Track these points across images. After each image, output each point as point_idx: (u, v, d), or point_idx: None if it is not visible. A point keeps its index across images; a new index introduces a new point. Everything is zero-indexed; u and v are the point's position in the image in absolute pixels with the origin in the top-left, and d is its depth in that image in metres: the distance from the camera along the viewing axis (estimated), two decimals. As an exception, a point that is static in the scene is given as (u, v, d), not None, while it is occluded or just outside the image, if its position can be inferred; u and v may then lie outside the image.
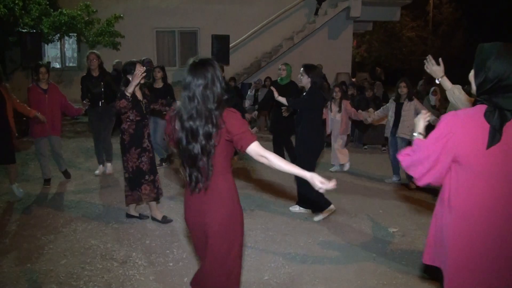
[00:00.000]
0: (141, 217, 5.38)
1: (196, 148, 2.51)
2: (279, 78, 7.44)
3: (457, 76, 4.38)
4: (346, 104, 7.75)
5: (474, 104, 2.25)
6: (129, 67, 4.92)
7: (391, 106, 7.11)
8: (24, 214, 5.56)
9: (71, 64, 15.15)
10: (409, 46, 31.31)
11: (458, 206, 2.19)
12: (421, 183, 2.27)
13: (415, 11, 29.82)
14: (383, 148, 9.59)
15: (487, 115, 2.11)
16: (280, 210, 5.77)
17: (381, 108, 7.53)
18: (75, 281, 3.90)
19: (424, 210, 5.85)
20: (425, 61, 3.56)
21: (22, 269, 4.11)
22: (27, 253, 4.44)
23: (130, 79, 4.81)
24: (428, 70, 3.52)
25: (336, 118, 7.72)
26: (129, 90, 4.72)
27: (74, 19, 12.16)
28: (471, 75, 2.28)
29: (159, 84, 7.48)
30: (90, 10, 12.67)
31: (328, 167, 8.00)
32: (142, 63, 11.49)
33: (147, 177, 5.04)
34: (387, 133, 7.20)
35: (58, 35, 12.54)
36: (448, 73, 3.58)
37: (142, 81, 4.91)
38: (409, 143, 7.02)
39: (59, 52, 15.03)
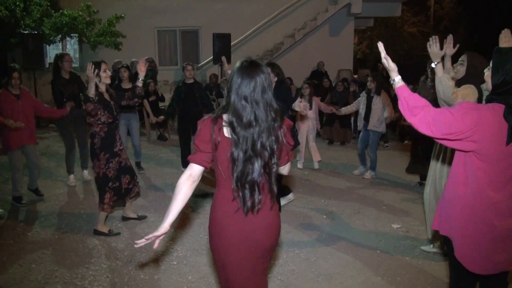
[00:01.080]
0: (109, 234, 4.92)
1: (258, 163, 2.22)
2: None
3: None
4: (315, 100, 7.93)
5: (488, 101, 2.47)
6: (96, 66, 4.65)
7: (362, 99, 7.30)
8: (28, 215, 5.58)
9: (72, 65, 15.15)
10: (410, 41, 31.21)
11: (474, 184, 2.43)
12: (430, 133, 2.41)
13: (416, 7, 29.73)
14: (386, 144, 9.60)
15: (505, 115, 2.31)
16: (283, 208, 5.77)
17: (355, 101, 7.69)
18: (80, 281, 3.92)
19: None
20: (430, 39, 3.64)
21: (27, 269, 4.13)
22: (32, 254, 4.46)
23: (97, 80, 4.62)
24: (429, 50, 3.58)
25: (308, 115, 7.63)
26: (91, 92, 4.51)
27: (75, 20, 12.17)
28: (487, 75, 2.50)
29: (126, 85, 7.01)
30: (91, 10, 12.68)
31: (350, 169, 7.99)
32: (132, 64, 11.58)
33: (110, 184, 4.77)
34: (360, 126, 7.44)
35: (60, 36, 12.55)
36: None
37: (108, 81, 4.73)
38: (381, 136, 7.33)
39: (61, 53, 15.03)
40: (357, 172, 7.44)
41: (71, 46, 14.98)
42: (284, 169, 2.53)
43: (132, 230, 5.04)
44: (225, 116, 2.26)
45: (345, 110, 7.58)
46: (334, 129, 9.97)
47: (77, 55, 14.97)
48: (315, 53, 14.64)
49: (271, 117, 2.24)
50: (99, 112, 4.59)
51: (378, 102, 7.01)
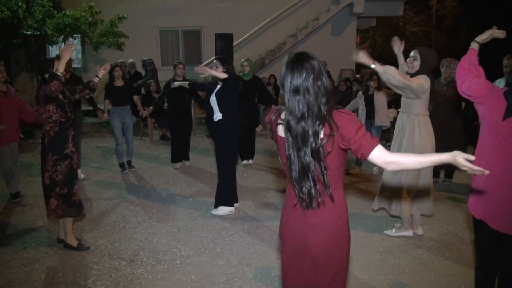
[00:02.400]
0: (79, 248, 4.51)
1: (307, 152, 2.15)
2: (241, 73, 7.55)
3: None
4: None
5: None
6: (46, 65, 4.42)
7: (360, 100, 7.42)
8: (30, 214, 5.59)
9: (75, 65, 15.15)
10: (413, 41, 31.18)
11: (487, 156, 3.00)
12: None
13: (418, 6, 29.75)
14: (388, 143, 9.58)
15: (506, 95, 2.92)
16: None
17: (351, 102, 7.83)
18: (84, 280, 3.93)
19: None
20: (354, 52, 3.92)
21: (30, 268, 4.14)
22: (35, 253, 4.47)
23: (46, 76, 4.32)
24: (354, 59, 3.80)
25: None
26: (60, 69, 4.19)
27: (78, 20, 12.18)
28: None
29: (119, 83, 7.45)
30: (93, 11, 12.69)
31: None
32: (144, 63, 11.61)
33: (57, 189, 4.32)
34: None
35: (62, 36, 12.55)
36: None
37: (63, 79, 4.27)
38: (383, 131, 7.53)
39: (64, 54, 15.05)
40: (376, 170, 7.48)
41: (74, 47, 14.99)
42: (376, 161, 2.20)
43: (134, 230, 5.05)
44: (283, 114, 2.26)
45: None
46: None
47: (79, 56, 14.99)
48: (317, 52, 14.11)
49: (323, 106, 2.15)
50: (51, 109, 4.27)
51: (380, 98, 7.12)
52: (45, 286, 3.85)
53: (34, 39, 10.97)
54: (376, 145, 2.16)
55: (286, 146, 2.20)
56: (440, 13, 30.49)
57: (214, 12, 14.62)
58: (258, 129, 11.41)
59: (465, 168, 2.05)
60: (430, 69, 4.54)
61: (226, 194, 5.54)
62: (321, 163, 2.16)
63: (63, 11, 12.22)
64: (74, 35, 12.88)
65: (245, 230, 5.05)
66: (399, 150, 4.59)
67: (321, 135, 2.15)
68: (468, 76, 3.13)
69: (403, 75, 4.27)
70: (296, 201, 2.28)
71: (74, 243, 4.51)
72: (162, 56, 15.00)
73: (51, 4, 12.20)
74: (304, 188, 2.20)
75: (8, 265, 4.23)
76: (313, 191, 2.20)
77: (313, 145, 2.14)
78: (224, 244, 4.68)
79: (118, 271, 4.10)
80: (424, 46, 4.66)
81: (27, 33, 11.14)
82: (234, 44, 13.05)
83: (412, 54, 4.53)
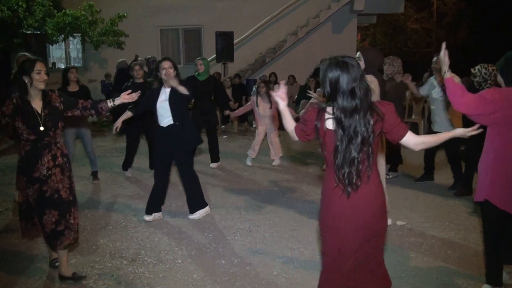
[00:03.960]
0: (74, 278, 3.88)
1: (358, 142, 2.46)
2: (196, 73, 7.40)
3: (463, 67, 4.42)
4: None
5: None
6: (28, 65, 3.64)
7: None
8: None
9: (76, 64, 15.18)
10: (413, 38, 31.13)
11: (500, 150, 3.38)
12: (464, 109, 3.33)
13: (419, 3, 29.66)
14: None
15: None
16: (287, 206, 5.77)
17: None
18: (85, 279, 3.92)
19: (431, 203, 5.84)
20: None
21: (32, 268, 4.14)
22: (37, 253, 4.47)
23: (26, 81, 3.61)
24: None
25: (265, 113, 7.71)
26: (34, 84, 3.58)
27: (78, 20, 12.19)
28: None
29: (74, 87, 6.48)
30: (93, 10, 12.69)
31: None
32: (147, 61, 11.59)
33: (23, 214, 3.79)
34: None
35: (63, 35, 12.57)
36: (453, 64, 3.78)
37: (41, 86, 3.64)
38: None
39: (64, 53, 15.07)
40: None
41: (74, 46, 15.03)
42: (408, 143, 2.64)
43: (135, 229, 5.05)
44: (329, 109, 2.55)
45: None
46: None
47: (80, 55, 15.01)
48: (318, 50, 14.60)
49: (367, 101, 2.49)
50: (19, 125, 3.59)
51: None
52: (47, 286, 3.85)
53: (34, 39, 10.99)
54: (408, 129, 2.62)
55: (336, 138, 2.50)
56: (440, 10, 30.41)
57: (214, 11, 14.61)
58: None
59: (462, 133, 2.71)
60: (376, 68, 4.84)
61: (200, 197, 5.43)
62: (370, 148, 2.50)
63: (63, 10, 12.23)
64: (74, 34, 12.90)
65: (246, 229, 5.05)
66: None
67: (372, 124, 2.49)
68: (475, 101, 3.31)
69: None
70: (336, 185, 2.55)
71: (68, 273, 3.88)
72: (163, 54, 14.94)
73: (51, 3, 12.20)
74: (346, 174, 2.49)
75: (10, 264, 4.23)
76: (354, 175, 2.50)
77: (365, 134, 2.46)
78: (225, 243, 4.68)
79: (119, 270, 4.10)
80: (369, 47, 4.88)
81: (27, 32, 11.15)
82: (234, 42, 13.05)
83: (357, 55, 4.78)
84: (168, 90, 5.06)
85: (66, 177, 3.77)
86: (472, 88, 4.86)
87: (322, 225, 2.72)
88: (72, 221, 3.77)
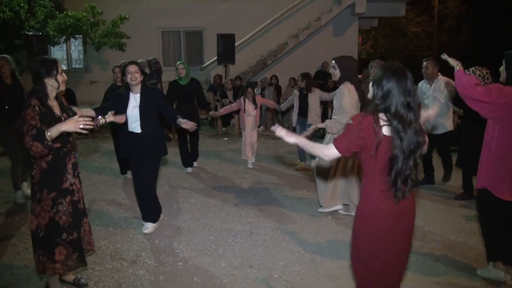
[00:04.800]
0: (75, 284, 3.83)
1: (416, 155, 2.53)
2: (177, 78, 7.40)
3: (464, 70, 4.45)
4: (258, 98, 8.13)
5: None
6: (52, 66, 3.36)
7: (295, 96, 7.71)
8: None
9: (77, 66, 15.21)
10: (415, 41, 31.16)
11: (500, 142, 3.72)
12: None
13: (420, 6, 29.67)
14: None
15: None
16: (288, 208, 5.77)
17: (287, 99, 8.18)
18: (85, 281, 3.91)
19: (432, 207, 5.83)
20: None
21: (32, 270, 4.12)
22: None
23: (50, 84, 3.34)
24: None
25: (253, 114, 7.94)
26: (53, 134, 3.13)
27: (80, 21, 12.19)
28: (502, 69, 3.89)
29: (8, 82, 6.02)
30: (95, 11, 12.70)
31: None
32: (149, 63, 11.59)
33: (64, 235, 3.42)
34: (294, 122, 7.83)
35: (64, 37, 12.57)
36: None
37: (63, 88, 3.49)
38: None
39: (65, 54, 15.08)
40: (303, 165, 7.79)
41: (76, 47, 15.04)
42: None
43: (136, 231, 5.04)
44: (382, 115, 2.53)
45: (283, 106, 8.06)
46: None
47: (81, 56, 15.02)
48: (319, 53, 14.61)
49: (418, 115, 2.56)
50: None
51: (313, 99, 7.43)
52: (48, 287, 3.85)
53: (36, 40, 10.98)
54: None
55: (393, 146, 2.48)
56: (442, 13, 30.44)
57: (216, 13, 14.62)
58: (260, 129, 11.42)
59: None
60: (352, 75, 5.03)
61: (159, 209, 5.19)
62: (417, 165, 2.56)
63: (65, 12, 12.23)
64: (76, 36, 12.91)
65: (247, 231, 5.04)
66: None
67: (422, 140, 2.57)
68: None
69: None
70: (387, 192, 2.55)
71: (70, 278, 3.84)
72: (164, 56, 14.99)
73: (53, 5, 12.22)
74: (400, 182, 2.51)
75: (10, 266, 4.23)
76: (407, 188, 2.56)
77: (420, 147, 2.54)
78: (226, 245, 4.68)
79: (120, 272, 4.10)
80: (341, 56, 5.17)
81: (29, 33, 11.16)
82: (236, 44, 13.04)
83: (332, 64, 5.06)
84: (137, 96, 4.77)
85: (81, 186, 3.66)
86: None
87: (365, 231, 2.67)
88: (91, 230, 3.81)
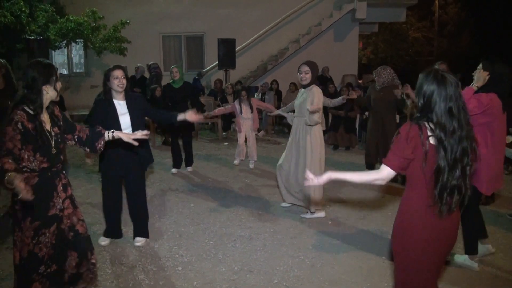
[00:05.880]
0: None
1: (461, 167, 2.43)
2: (171, 81, 7.48)
3: (464, 75, 4.56)
4: (254, 101, 8.19)
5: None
6: (51, 72, 2.94)
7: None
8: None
9: (78, 70, 15.24)
10: (415, 47, 31.21)
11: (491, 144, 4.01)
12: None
13: (420, 12, 29.74)
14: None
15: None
16: (288, 213, 5.76)
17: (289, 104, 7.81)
18: (85, 286, 3.91)
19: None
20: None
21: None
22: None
23: (47, 92, 2.90)
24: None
25: (248, 117, 8.04)
26: (13, 181, 2.47)
27: (81, 26, 12.25)
28: (477, 74, 4.08)
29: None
30: (96, 16, 12.76)
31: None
32: (149, 68, 11.62)
33: (42, 268, 2.95)
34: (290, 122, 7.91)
35: (65, 41, 12.63)
36: (455, 73, 4.07)
37: (57, 98, 3.03)
38: None
39: (66, 58, 15.12)
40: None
41: (77, 52, 15.08)
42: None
43: (137, 236, 5.03)
44: (427, 124, 2.46)
45: (283, 110, 7.19)
46: (339, 134, 9.95)
47: (82, 61, 15.05)
48: (320, 58, 14.52)
49: (466, 120, 2.44)
50: (25, 156, 2.80)
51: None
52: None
53: (37, 44, 11.02)
54: None
55: (438, 157, 2.42)
56: (442, 19, 30.50)
57: (216, 18, 14.66)
58: (260, 134, 11.42)
59: None
60: (316, 79, 5.56)
61: (147, 223, 4.92)
62: (466, 177, 2.47)
63: (66, 16, 12.30)
64: (77, 40, 12.95)
65: (247, 236, 5.03)
66: (296, 145, 5.51)
67: (470, 150, 2.46)
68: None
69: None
70: (433, 207, 2.47)
71: None
72: (165, 61, 15.04)
73: (54, 9, 12.28)
74: (446, 196, 2.44)
75: (11, 269, 4.22)
76: (454, 201, 2.47)
77: (467, 159, 2.44)
78: (226, 250, 4.67)
79: (119, 277, 4.09)
80: (311, 61, 5.54)
81: (30, 38, 11.20)
82: (236, 49, 13.08)
83: (305, 69, 5.34)
84: (122, 103, 4.45)
85: (76, 208, 3.17)
86: None
87: (407, 241, 2.59)
88: (93, 261, 3.24)
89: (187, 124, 7.37)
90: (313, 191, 5.38)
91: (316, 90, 5.34)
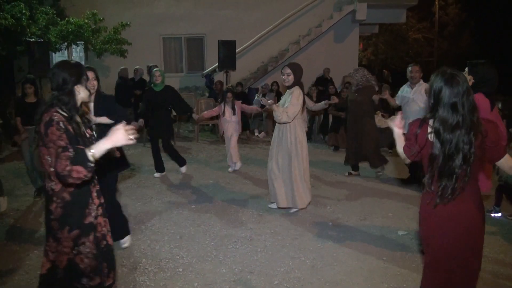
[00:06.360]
0: None
1: (458, 159, 2.55)
2: (152, 84, 7.39)
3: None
4: (238, 104, 8.09)
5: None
6: (82, 71, 2.81)
7: None
8: (33, 221, 5.59)
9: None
10: (415, 48, 31.20)
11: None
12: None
13: (421, 13, 29.75)
14: (390, 151, 9.54)
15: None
16: (289, 214, 5.76)
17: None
18: None
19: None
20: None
21: (33, 276, 4.13)
22: (38, 260, 4.46)
23: (79, 93, 2.76)
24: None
25: (232, 119, 7.95)
26: (97, 153, 2.48)
27: (81, 28, 12.25)
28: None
29: (31, 99, 6.26)
30: (97, 18, 12.76)
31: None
32: (149, 70, 11.64)
33: (85, 281, 2.78)
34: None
35: (66, 43, 12.63)
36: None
37: (88, 99, 2.94)
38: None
39: (67, 61, 15.13)
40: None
41: (77, 54, 15.08)
42: (503, 165, 2.79)
43: (136, 237, 5.04)
44: (430, 122, 2.66)
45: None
46: (340, 135, 9.94)
47: (83, 63, 15.06)
48: (320, 59, 14.65)
49: (471, 117, 2.56)
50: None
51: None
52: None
53: (37, 46, 11.02)
54: (505, 153, 2.72)
55: (433, 150, 2.62)
56: (442, 20, 30.50)
57: (217, 19, 14.66)
58: (261, 135, 11.43)
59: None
60: (300, 80, 5.64)
61: (126, 223, 4.87)
62: (469, 168, 2.56)
63: (66, 19, 12.30)
64: (78, 42, 12.95)
65: (247, 237, 5.04)
66: (279, 144, 5.68)
67: (474, 144, 2.55)
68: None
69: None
70: (435, 196, 2.65)
71: None
72: (165, 63, 15.04)
73: (55, 12, 12.28)
74: (442, 187, 2.60)
75: (11, 272, 4.23)
76: (455, 187, 2.58)
77: (466, 153, 2.54)
78: (226, 251, 4.67)
79: (120, 278, 4.08)
80: (294, 62, 5.82)
81: (31, 40, 11.20)
82: (237, 51, 13.06)
83: (287, 71, 5.54)
84: (91, 105, 4.30)
85: (106, 217, 2.98)
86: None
87: (421, 232, 2.87)
88: (115, 276, 3.06)
89: (164, 127, 7.40)
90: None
91: (296, 92, 5.51)
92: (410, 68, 6.86)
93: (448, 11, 30.61)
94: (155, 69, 7.48)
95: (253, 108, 8.65)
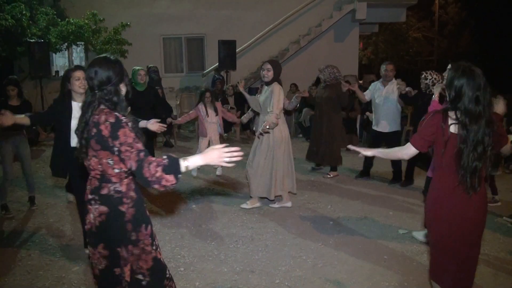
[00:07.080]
0: None
1: (481, 150, 2.71)
2: (135, 84, 6.95)
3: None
4: (219, 105, 7.94)
5: None
6: (119, 68, 2.61)
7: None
8: (36, 221, 5.60)
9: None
10: (415, 47, 31.18)
11: None
12: None
13: (421, 12, 29.72)
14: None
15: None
16: (290, 214, 5.77)
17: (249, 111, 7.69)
18: (87, 287, 3.92)
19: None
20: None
21: (34, 275, 4.14)
22: (39, 261, 4.47)
23: (123, 91, 2.64)
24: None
25: (213, 120, 7.68)
26: (191, 166, 2.51)
27: (82, 28, 12.26)
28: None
29: (15, 102, 5.89)
30: (97, 18, 12.77)
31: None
32: (148, 70, 11.65)
33: (167, 273, 2.80)
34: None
35: (66, 44, 12.64)
36: None
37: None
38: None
39: (67, 61, 15.12)
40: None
41: (77, 54, 15.10)
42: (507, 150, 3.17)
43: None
44: (451, 113, 2.79)
45: (245, 118, 6.88)
46: None
47: (83, 63, 15.06)
48: (320, 59, 14.59)
49: (490, 111, 2.75)
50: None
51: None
52: (49, 293, 3.86)
53: (37, 47, 11.05)
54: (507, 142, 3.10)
55: (460, 141, 2.73)
56: (442, 19, 30.49)
57: (217, 19, 14.67)
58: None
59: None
60: (279, 77, 5.77)
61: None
62: (486, 159, 2.76)
63: (66, 19, 12.31)
64: (78, 43, 12.97)
65: (248, 236, 5.05)
66: (260, 141, 5.79)
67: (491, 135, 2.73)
68: None
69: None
70: (456, 185, 2.79)
71: None
72: (166, 63, 15.05)
73: (55, 12, 12.29)
74: (469, 176, 2.74)
75: (13, 272, 4.24)
76: (476, 181, 2.74)
77: (487, 143, 2.72)
78: (228, 250, 4.68)
79: (122, 278, 4.10)
80: (273, 60, 5.96)
81: (31, 40, 11.22)
82: (237, 50, 13.09)
83: (267, 67, 5.66)
84: (80, 105, 4.23)
85: None
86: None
87: (436, 218, 2.95)
88: None
89: (149, 132, 7.28)
90: (275, 181, 5.76)
91: (276, 88, 5.62)
92: (384, 66, 6.98)
93: (448, 10, 30.59)
94: (139, 68, 7.02)
95: (232, 116, 8.35)
